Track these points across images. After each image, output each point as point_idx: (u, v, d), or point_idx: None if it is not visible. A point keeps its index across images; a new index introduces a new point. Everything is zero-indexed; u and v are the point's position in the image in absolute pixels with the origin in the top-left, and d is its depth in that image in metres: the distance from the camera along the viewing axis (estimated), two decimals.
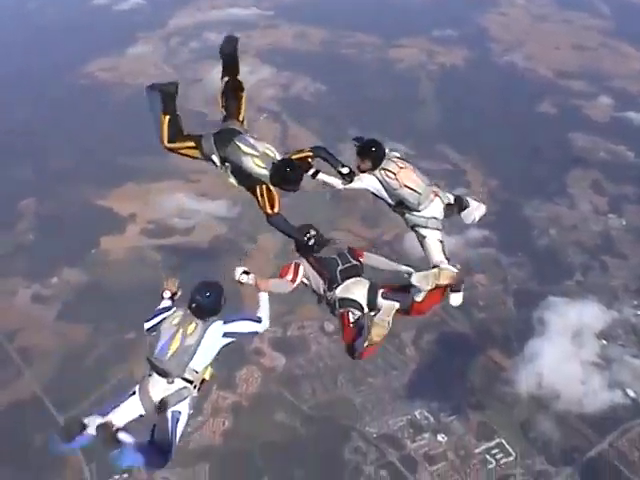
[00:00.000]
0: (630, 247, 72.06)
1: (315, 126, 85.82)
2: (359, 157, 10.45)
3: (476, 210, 10.91)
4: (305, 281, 10.29)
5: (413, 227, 10.73)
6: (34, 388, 55.60)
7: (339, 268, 10.07)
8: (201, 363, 8.95)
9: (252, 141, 9.53)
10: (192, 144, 9.73)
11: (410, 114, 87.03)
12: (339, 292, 9.92)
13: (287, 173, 9.41)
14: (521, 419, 55.91)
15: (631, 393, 57.08)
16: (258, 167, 9.42)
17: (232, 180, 9.89)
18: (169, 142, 9.56)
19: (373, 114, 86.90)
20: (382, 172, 10.19)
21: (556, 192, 79.61)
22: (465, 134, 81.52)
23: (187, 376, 8.87)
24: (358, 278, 10.24)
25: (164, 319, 9.02)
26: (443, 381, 57.68)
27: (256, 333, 9.45)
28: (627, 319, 63.60)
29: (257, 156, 9.39)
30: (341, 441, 53.13)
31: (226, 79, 10.01)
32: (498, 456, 52.99)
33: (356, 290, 9.97)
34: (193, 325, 8.79)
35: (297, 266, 10.18)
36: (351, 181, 10.32)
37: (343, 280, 10.08)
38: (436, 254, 10.44)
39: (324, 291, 10.13)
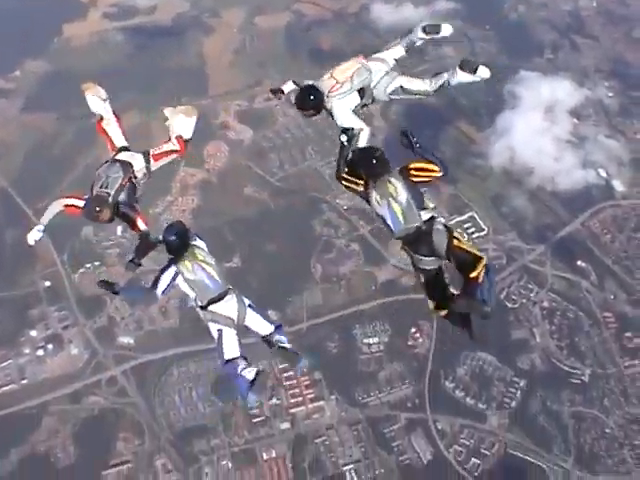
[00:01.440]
0: (601, 29, 66.17)
1: None
2: (302, 112, 9.72)
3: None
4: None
5: (389, 94, 9.82)
6: (2, 183, 51.21)
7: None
8: None
9: None
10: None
11: None
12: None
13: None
14: (493, 193, 51.67)
15: (604, 173, 53.00)
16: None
17: None
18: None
19: None
20: (327, 93, 9.37)
21: None
22: None
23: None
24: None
25: (174, 276, 9.20)
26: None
27: None
28: (600, 99, 58.58)
29: None
30: (311, 214, 49.25)
31: None
32: (470, 230, 48.91)
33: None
34: (187, 262, 9.25)
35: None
36: (356, 134, 9.47)
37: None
38: (419, 83, 9.75)
39: None
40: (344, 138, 9.32)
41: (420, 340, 44.09)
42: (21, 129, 54.72)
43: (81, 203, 9.42)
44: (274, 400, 42.27)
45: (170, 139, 10.19)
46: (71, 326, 44.83)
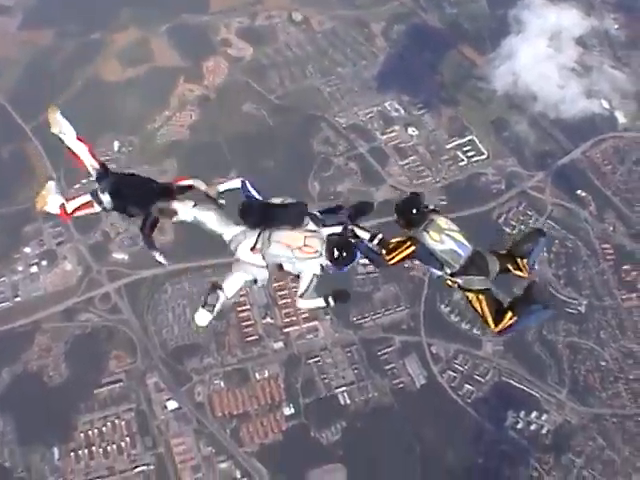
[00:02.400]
0: None
1: None
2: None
3: None
4: None
5: None
6: None
7: None
8: None
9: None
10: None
11: None
12: None
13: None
14: (494, 117, 49.69)
15: (607, 104, 50.93)
16: None
17: None
18: None
19: None
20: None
21: None
22: None
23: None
24: None
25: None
26: (414, 74, 51.10)
27: None
28: (606, 30, 55.93)
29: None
30: (310, 131, 47.83)
31: None
32: (470, 153, 47.29)
33: None
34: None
35: None
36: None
37: None
38: None
39: None
40: (352, 240, 8.57)
41: (416, 262, 42.12)
42: (19, 46, 52.64)
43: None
44: (268, 319, 41.24)
45: (70, 149, 8.92)
46: (66, 242, 43.78)
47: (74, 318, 41.22)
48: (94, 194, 8.67)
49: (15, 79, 49.98)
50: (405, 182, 45.71)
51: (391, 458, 37.45)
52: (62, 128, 8.85)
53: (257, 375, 39.60)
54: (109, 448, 38.04)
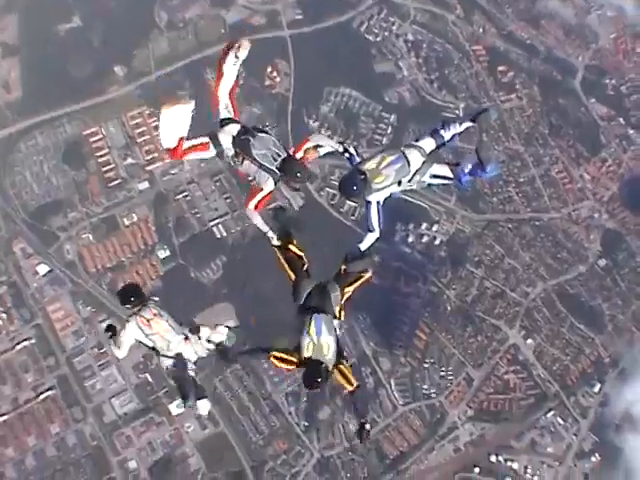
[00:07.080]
0: None
1: None
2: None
3: None
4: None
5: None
6: None
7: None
8: None
9: None
10: None
11: None
12: None
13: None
14: None
15: None
16: None
17: None
18: None
19: None
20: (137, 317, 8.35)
21: None
22: None
23: None
24: None
25: None
26: None
27: None
28: None
29: None
30: None
31: None
32: None
33: None
34: None
35: None
36: None
37: None
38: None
39: None
40: None
41: (278, 79, 40.27)
42: None
43: (267, 189, 7.81)
44: (129, 160, 38.40)
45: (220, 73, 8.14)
46: None
47: None
48: (213, 136, 7.92)
49: None
50: (256, 1, 42.33)
51: (277, 289, 35.09)
52: (240, 59, 8.06)
53: (125, 221, 37.41)
54: None
